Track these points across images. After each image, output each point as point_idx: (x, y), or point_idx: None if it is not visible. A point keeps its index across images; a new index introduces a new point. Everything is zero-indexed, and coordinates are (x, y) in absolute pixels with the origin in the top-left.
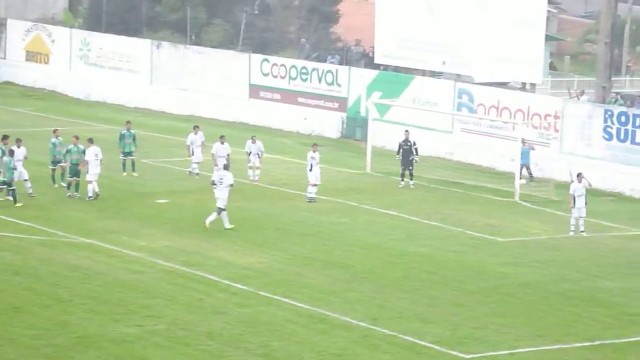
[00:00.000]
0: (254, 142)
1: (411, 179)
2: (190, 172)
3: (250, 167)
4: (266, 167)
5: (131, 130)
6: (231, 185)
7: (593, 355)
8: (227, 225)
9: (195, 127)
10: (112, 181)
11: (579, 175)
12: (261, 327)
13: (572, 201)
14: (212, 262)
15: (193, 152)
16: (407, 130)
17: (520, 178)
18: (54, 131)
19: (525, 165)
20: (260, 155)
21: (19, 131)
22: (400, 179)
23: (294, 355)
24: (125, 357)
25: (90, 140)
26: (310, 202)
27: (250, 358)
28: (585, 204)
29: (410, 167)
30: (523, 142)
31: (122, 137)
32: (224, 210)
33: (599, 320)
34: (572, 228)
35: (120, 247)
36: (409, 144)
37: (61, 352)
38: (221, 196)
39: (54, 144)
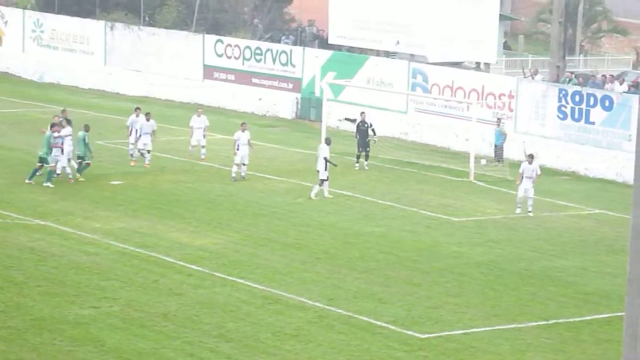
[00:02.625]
0: (199, 115)
1: (366, 160)
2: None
3: (194, 146)
4: (220, 148)
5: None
6: (325, 158)
7: (548, 334)
8: (313, 195)
9: (147, 114)
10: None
11: (530, 156)
12: (217, 308)
13: (520, 179)
14: (167, 244)
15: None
16: (363, 112)
17: (488, 159)
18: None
19: (498, 146)
20: (205, 130)
21: None
22: (355, 160)
23: (250, 336)
24: (81, 339)
25: (68, 122)
26: (235, 180)
27: (206, 339)
28: (533, 185)
29: (368, 149)
30: (498, 123)
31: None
32: (325, 180)
33: (554, 299)
34: (519, 206)
35: (75, 229)
36: (365, 125)
37: (16, 335)
38: (320, 168)
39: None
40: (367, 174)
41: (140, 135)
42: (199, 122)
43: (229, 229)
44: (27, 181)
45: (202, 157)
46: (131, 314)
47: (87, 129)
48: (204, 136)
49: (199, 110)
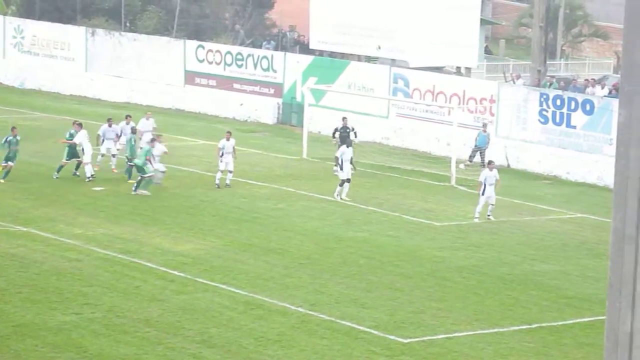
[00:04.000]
0: (147, 119)
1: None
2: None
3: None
4: (202, 154)
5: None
6: (351, 158)
7: (531, 338)
8: (344, 196)
9: (127, 117)
10: (49, 169)
11: (490, 163)
12: (199, 314)
13: (482, 189)
14: (149, 250)
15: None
16: (344, 117)
17: (465, 163)
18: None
19: (481, 149)
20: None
21: None
22: (334, 164)
23: (232, 342)
24: (63, 346)
25: (79, 125)
26: (218, 187)
27: (188, 345)
28: (494, 192)
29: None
30: (484, 128)
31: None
32: (347, 181)
33: (536, 303)
34: (477, 215)
35: (56, 235)
36: (347, 130)
37: None
38: (345, 169)
39: (72, 135)
40: (353, 178)
41: (106, 140)
42: (147, 125)
43: (211, 234)
44: (135, 192)
45: (113, 167)
46: (113, 320)
47: (134, 131)
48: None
49: (148, 113)
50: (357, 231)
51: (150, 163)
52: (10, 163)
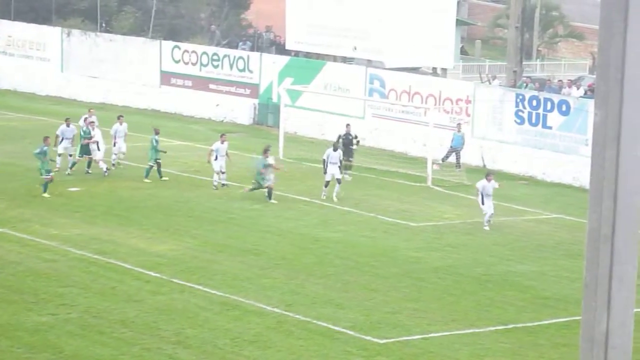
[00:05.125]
0: (121, 123)
1: (349, 169)
2: (113, 163)
3: (116, 154)
4: (178, 154)
5: None
6: (341, 161)
7: (507, 338)
8: (335, 196)
9: (120, 117)
10: (25, 169)
11: (489, 174)
12: (175, 315)
13: (480, 198)
14: (124, 250)
15: (115, 143)
16: (348, 124)
17: (438, 163)
18: (85, 119)
19: (456, 150)
20: (125, 138)
21: None
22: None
23: (208, 342)
24: (39, 346)
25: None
26: (216, 189)
27: (164, 345)
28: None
29: (351, 159)
30: (458, 128)
31: None
32: (338, 182)
33: (512, 303)
34: (486, 225)
35: (32, 236)
36: (350, 137)
37: None
38: (333, 171)
39: (85, 132)
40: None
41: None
42: (120, 129)
43: (187, 235)
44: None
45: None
46: (89, 321)
47: (157, 132)
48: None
49: (91, 110)
50: (333, 232)
51: (263, 174)
52: None
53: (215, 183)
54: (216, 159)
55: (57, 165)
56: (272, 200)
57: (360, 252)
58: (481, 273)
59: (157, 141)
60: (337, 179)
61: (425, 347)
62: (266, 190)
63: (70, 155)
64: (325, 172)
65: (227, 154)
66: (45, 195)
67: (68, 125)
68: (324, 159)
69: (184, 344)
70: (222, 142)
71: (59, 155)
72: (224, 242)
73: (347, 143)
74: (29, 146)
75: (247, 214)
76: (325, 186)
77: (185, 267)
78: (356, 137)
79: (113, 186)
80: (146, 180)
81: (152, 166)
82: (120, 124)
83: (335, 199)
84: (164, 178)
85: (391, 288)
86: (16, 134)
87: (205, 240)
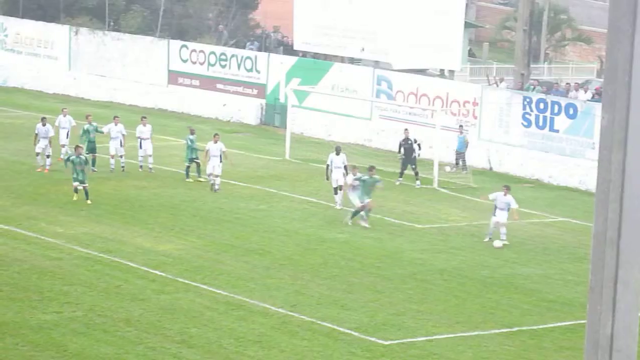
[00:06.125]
0: (116, 124)
1: (417, 179)
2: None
3: (143, 156)
4: (184, 154)
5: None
6: (346, 166)
7: (511, 341)
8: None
9: (115, 118)
10: (31, 167)
11: (506, 187)
12: (179, 314)
13: (494, 209)
14: (130, 249)
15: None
16: (406, 129)
17: (454, 166)
18: (87, 117)
19: (460, 153)
20: (124, 140)
21: None
22: (399, 175)
23: (213, 342)
24: (43, 344)
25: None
26: (215, 191)
27: (168, 344)
28: (507, 219)
29: (414, 166)
30: (460, 130)
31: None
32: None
33: (517, 306)
34: (487, 237)
35: (38, 234)
36: (409, 142)
37: None
38: (337, 176)
39: (87, 130)
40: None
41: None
42: (64, 122)
43: (192, 234)
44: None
45: (48, 167)
46: (94, 319)
47: (192, 131)
48: (67, 136)
49: (64, 109)
50: (339, 232)
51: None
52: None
53: (214, 185)
54: (210, 160)
55: (42, 164)
56: (367, 224)
57: (366, 253)
58: (486, 276)
59: (192, 141)
60: (340, 186)
61: (429, 349)
62: (362, 209)
63: (48, 157)
64: (327, 178)
65: (223, 154)
66: (89, 202)
67: (44, 125)
68: (327, 165)
69: (188, 343)
70: (215, 142)
71: (38, 154)
72: (230, 242)
73: (407, 150)
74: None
75: (253, 214)
76: (335, 193)
77: (190, 266)
78: (416, 141)
79: (119, 185)
80: (188, 180)
81: (188, 166)
82: (115, 124)
83: (366, 224)
84: (199, 178)
85: (396, 290)
86: (23, 131)
87: (211, 240)
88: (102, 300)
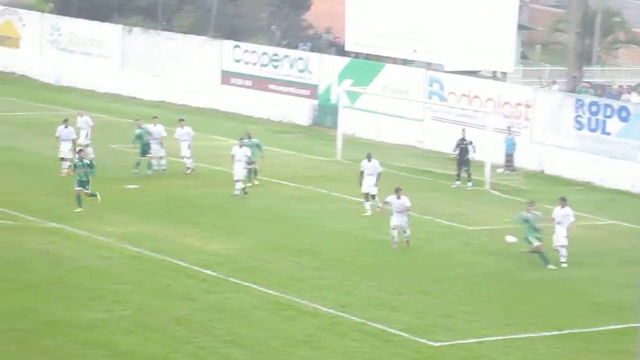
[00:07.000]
0: (81, 116)
1: (469, 180)
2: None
3: (183, 157)
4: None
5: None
6: (379, 173)
7: (561, 344)
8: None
9: (181, 121)
10: None
11: (562, 199)
12: (229, 314)
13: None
14: (180, 248)
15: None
16: (463, 129)
17: (504, 168)
18: (137, 121)
19: (509, 154)
20: (189, 140)
21: None
22: (455, 178)
23: (262, 342)
24: (93, 343)
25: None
26: (235, 198)
27: (218, 344)
28: (566, 234)
29: (467, 167)
30: (508, 131)
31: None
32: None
33: (567, 309)
34: (563, 256)
35: (89, 232)
36: (465, 142)
37: (29, 337)
38: (369, 182)
39: (139, 135)
40: (382, 181)
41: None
42: (81, 122)
43: (242, 234)
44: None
45: (191, 166)
46: (144, 318)
47: (249, 135)
48: (87, 136)
49: (81, 110)
50: (389, 234)
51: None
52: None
53: (237, 192)
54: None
55: (66, 168)
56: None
57: (415, 254)
58: (536, 278)
59: (259, 145)
60: (372, 194)
61: (478, 351)
62: (539, 250)
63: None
64: (360, 185)
65: (249, 159)
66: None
67: (66, 127)
68: (361, 171)
69: (238, 342)
70: (240, 147)
71: (62, 159)
72: (279, 242)
73: (462, 150)
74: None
75: (302, 214)
76: (366, 200)
77: (240, 266)
78: (471, 142)
79: (169, 184)
80: (248, 185)
81: (249, 169)
82: (182, 128)
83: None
84: (256, 182)
85: (445, 291)
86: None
87: (261, 240)
88: (152, 299)
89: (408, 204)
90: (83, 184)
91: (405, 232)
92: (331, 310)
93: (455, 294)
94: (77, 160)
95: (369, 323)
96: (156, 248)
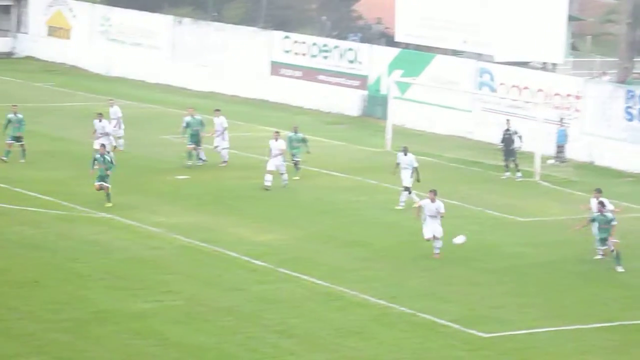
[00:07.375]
0: (112, 106)
1: (518, 171)
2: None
3: (216, 147)
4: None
5: (19, 115)
6: (415, 167)
7: (611, 335)
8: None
9: (217, 111)
10: (131, 157)
11: (598, 190)
12: (279, 304)
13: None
14: (230, 239)
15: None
16: (508, 120)
17: (555, 159)
18: (189, 109)
19: (561, 145)
20: (224, 131)
21: (41, 106)
22: (505, 169)
23: (312, 333)
24: (143, 332)
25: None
26: (267, 189)
27: (268, 334)
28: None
29: (513, 158)
30: (561, 122)
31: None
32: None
33: (617, 301)
34: (600, 252)
35: (139, 223)
36: (509, 132)
37: (79, 327)
38: (404, 176)
39: (188, 123)
40: (432, 172)
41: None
42: (112, 113)
43: (293, 225)
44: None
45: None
46: (194, 308)
47: (295, 130)
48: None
49: (110, 100)
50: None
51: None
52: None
53: (267, 183)
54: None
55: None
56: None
57: (466, 245)
58: (586, 269)
59: (189, 124)
60: (407, 188)
61: (529, 342)
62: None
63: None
64: (393, 174)
65: (282, 152)
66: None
67: (100, 121)
68: (397, 163)
69: (288, 333)
70: (276, 140)
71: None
72: (330, 233)
73: (507, 140)
74: (139, 133)
75: (353, 205)
76: (408, 192)
77: (290, 256)
78: (516, 132)
79: (219, 175)
80: (295, 178)
81: (295, 162)
82: (99, 121)
83: (399, 207)
84: (295, 177)
85: (495, 282)
86: (125, 121)
87: (311, 231)
88: (203, 289)
89: (442, 209)
90: (102, 178)
91: (437, 239)
92: (381, 301)
93: (505, 285)
94: (98, 155)
95: (418, 314)
96: (207, 238)
